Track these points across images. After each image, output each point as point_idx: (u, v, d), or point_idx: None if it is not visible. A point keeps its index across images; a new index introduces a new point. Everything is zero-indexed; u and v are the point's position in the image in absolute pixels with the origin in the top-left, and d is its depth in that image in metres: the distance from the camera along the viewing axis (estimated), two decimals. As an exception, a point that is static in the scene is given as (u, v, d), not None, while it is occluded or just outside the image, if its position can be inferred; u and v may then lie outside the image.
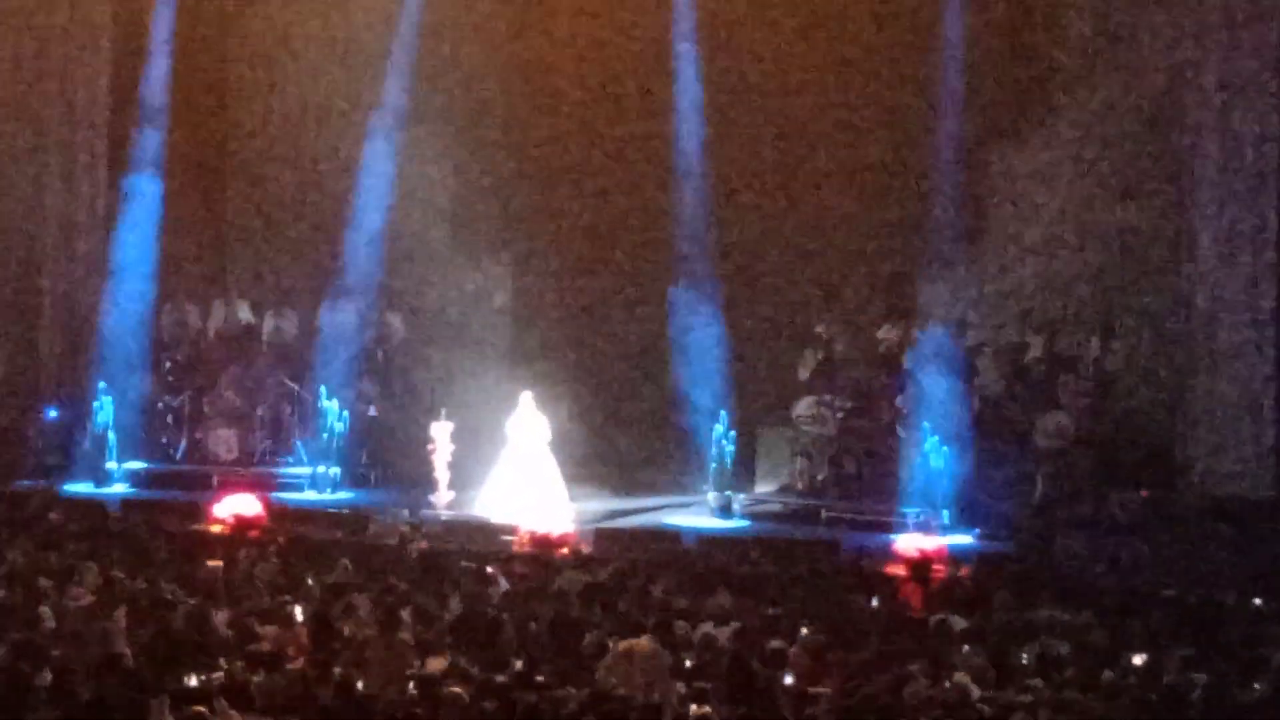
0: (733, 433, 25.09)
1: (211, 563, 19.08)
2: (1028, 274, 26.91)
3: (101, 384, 26.50)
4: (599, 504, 25.49)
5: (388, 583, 18.04)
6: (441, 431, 25.16)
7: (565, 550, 22.21)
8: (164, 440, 27.50)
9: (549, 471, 24.90)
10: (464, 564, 20.24)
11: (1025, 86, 26.98)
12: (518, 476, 24.75)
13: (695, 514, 25.08)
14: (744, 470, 26.06)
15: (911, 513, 23.91)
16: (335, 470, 26.19)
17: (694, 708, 13.52)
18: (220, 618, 15.97)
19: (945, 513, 23.73)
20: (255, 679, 13.70)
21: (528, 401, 25.05)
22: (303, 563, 19.90)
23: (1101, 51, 26.40)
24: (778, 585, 19.51)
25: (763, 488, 26.59)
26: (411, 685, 14.16)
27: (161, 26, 27.57)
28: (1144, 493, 24.23)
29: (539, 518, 23.26)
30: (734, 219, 27.79)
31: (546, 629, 16.13)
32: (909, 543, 22.26)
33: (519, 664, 14.80)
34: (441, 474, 25.06)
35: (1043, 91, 26.85)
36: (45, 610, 15.89)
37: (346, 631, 15.59)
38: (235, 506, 23.42)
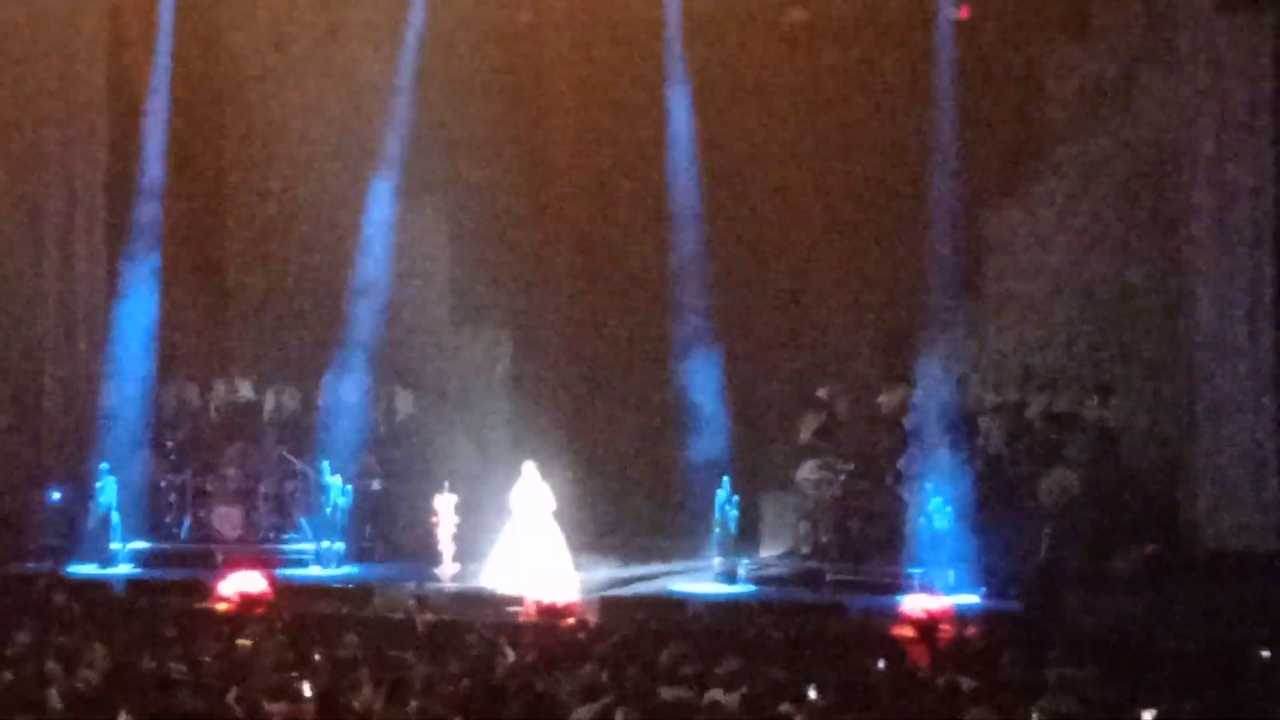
0: (736, 497, 25.04)
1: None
2: (1027, 332, 26.99)
3: (104, 464, 26.41)
4: (604, 572, 25.45)
5: (394, 656, 17.99)
6: (445, 504, 25.13)
7: (571, 620, 22.16)
8: (167, 519, 27.35)
9: (553, 541, 24.81)
10: (470, 635, 20.19)
11: (1020, 144, 27.11)
12: (522, 547, 24.69)
13: (700, 580, 25.02)
14: (748, 535, 26.00)
15: (917, 573, 23.86)
16: (340, 545, 26.15)
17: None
18: (230, 696, 15.90)
19: (950, 572, 23.66)
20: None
21: (531, 471, 24.99)
22: (309, 638, 19.83)
23: (1095, 108, 26.54)
24: (785, 649, 19.42)
25: (767, 552, 26.52)
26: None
27: (158, 102, 27.54)
28: (1149, 548, 24.22)
29: (544, 588, 23.22)
30: (733, 284, 27.84)
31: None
32: (915, 603, 22.22)
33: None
34: (446, 546, 25.02)
35: (1037, 148, 26.97)
36: (52, 693, 15.82)
37: (355, 706, 15.52)
38: (241, 584, 23.37)
